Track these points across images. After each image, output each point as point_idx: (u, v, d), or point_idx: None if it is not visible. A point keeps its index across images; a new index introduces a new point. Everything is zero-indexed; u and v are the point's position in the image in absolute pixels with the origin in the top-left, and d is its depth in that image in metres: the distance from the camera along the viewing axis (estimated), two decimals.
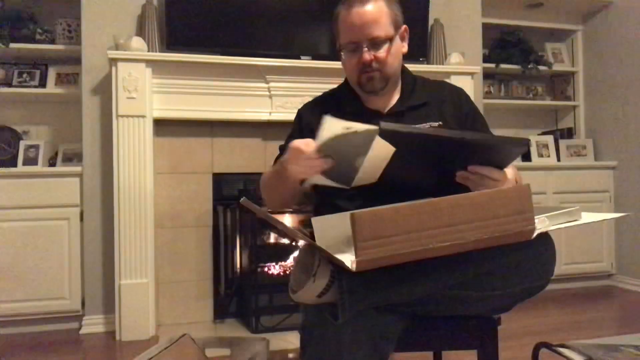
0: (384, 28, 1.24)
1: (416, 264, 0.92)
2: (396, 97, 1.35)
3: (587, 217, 1.01)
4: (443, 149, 1.05)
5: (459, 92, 1.40)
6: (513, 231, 0.86)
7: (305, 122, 1.38)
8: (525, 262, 1.01)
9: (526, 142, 1.04)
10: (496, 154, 1.07)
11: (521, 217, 0.86)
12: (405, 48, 1.33)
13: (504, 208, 0.85)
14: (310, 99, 1.47)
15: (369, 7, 1.24)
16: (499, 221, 0.85)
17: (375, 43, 1.24)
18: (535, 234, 0.92)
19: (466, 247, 0.86)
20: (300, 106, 1.46)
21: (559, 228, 0.98)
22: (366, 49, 1.24)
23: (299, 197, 1.35)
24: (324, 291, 0.93)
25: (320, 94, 1.47)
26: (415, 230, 0.81)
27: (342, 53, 1.31)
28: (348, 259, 0.86)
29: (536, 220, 0.90)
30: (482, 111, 3.50)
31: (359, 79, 1.29)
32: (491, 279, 0.99)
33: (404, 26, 1.31)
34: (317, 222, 1.07)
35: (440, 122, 1.31)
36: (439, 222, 0.82)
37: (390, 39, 1.26)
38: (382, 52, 1.25)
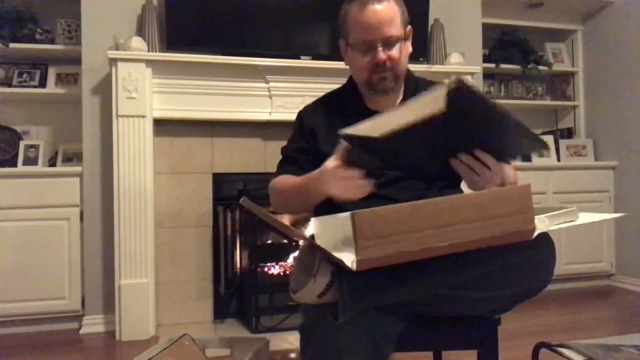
0: (397, 27, 1.25)
1: (416, 264, 0.92)
2: (399, 97, 1.35)
3: (584, 218, 1.01)
4: (452, 128, 0.96)
5: None
6: (513, 231, 0.86)
7: (306, 125, 1.37)
8: (526, 263, 1.01)
9: (543, 145, 1.01)
10: (505, 141, 1.02)
11: (522, 216, 0.85)
12: (410, 48, 1.33)
13: (505, 208, 0.84)
14: (310, 99, 1.48)
15: (382, 6, 1.23)
16: (499, 221, 0.84)
17: (389, 43, 1.24)
18: (535, 234, 0.91)
19: (466, 246, 0.85)
20: (300, 106, 1.46)
21: (560, 228, 0.98)
22: (380, 48, 1.24)
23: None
24: (325, 291, 0.93)
25: (320, 93, 1.46)
26: (416, 230, 0.81)
27: (348, 52, 1.31)
28: (348, 259, 0.86)
29: (536, 220, 0.90)
30: None
31: (369, 78, 1.28)
32: (491, 280, 0.99)
33: (409, 26, 1.32)
34: (317, 222, 1.07)
35: None
36: (439, 222, 0.81)
37: (403, 39, 1.27)
38: (395, 52, 1.25)
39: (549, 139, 3.71)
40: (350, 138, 0.95)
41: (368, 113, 1.33)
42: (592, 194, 3.55)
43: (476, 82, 3.16)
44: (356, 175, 1.07)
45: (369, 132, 0.92)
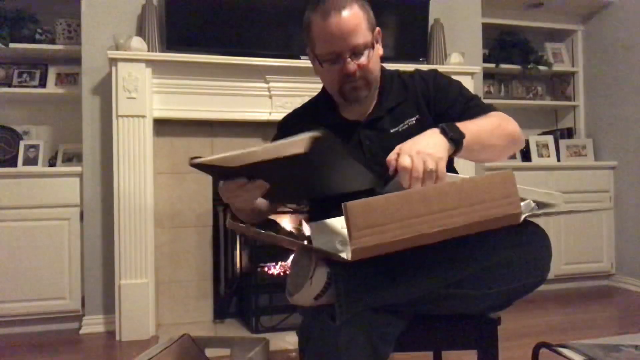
0: (363, 35, 1.20)
1: (412, 263, 0.92)
2: (374, 102, 1.32)
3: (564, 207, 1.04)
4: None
5: (429, 76, 1.34)
6: (499, 215, 0.89)
7: (280, 137, 1.37)
8: (521, 259, 1.01)
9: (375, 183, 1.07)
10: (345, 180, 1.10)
11: (506, 201, 0.88)
12: (381, 50, 1.28)
13: (489, 193, 0.88)
14: (309, 98, 1.47)
15: (345, 14, 1.17)
16: (485, 206, 0.87)
17: (357, 52, 1.20)
18: (522, 218, 0.93)
19: (457, 232, 0.88)
20: (298, 107, 1.46)
21: (547, 215, 1.00)
22: (349, 59, 1.19)
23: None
24: (321, 293, 0.93)
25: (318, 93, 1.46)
26: (407, 218, 0.84)
27: (317, 62, 1.27)
28: (344, 256, 0.88)
29: (523, 205, 0.92)
30: None
31: (341, 89, 1.24)
32: (487, 277, 0.99)
33: (377, 28, 1.27)
34: (313, 225, 1.08)
35: (418, 116, 1.28)
36: (428, 209, 0.85)
37: (371, 45, 1.22)
38: (364, 60, 1.21)
39: (548, 139, 3.72)
40: (200, 165, 0.99)
41: (343, 124, 1.31)
42: (592, 194, 3.54)
43: (476, 82, 3.16)
44: (236, 183, 1.07)
45: (222, 162, 1.01)
